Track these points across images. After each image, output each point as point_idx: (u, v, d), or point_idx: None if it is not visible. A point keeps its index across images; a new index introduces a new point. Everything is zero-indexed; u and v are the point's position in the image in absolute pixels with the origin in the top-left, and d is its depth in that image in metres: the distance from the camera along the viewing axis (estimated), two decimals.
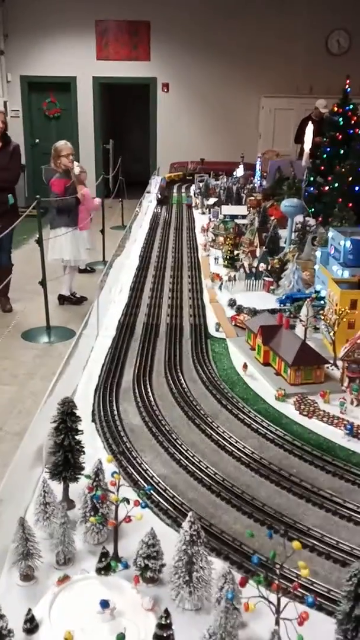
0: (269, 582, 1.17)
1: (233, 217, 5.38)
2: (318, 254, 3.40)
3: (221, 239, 4.64)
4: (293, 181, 5.64)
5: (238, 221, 5.10)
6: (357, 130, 5.30)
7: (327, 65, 11.52)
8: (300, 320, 2.72)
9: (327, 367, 2.46)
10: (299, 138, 9.38)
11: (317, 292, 3.18)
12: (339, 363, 2.44)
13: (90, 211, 7.13)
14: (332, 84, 9.50)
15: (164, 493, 1.71)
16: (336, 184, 4.80)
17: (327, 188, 4.98)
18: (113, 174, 10.92)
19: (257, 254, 4.05)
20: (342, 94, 5.35)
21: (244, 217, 5.36)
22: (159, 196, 6.91)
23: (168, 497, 1.69)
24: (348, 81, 5.30)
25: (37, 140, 12.80)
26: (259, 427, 2.08)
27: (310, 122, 4.97)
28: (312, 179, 5.18)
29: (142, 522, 1.41)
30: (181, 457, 1.89)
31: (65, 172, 6.48)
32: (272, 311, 3.04)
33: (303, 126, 6.68)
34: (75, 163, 7.16)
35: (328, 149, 5.35)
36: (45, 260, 5.85)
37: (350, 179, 4.70)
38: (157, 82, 12.69)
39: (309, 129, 4.50)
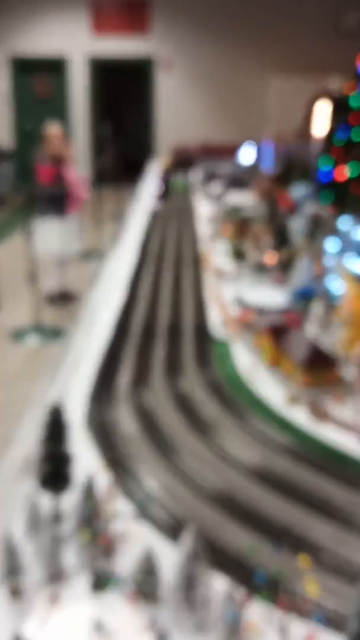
0: (274, 600, 1.19)
1: (239, 206, 5.38)
2: (331, 246, 3.40)
3: (226, 229, 4.65)
4: (303, 167, 5.64)
5: (245, 211, 5.11)
6: None
7: (339, 45, 11.53)
8: (311, 318, 2.73)
9: (341, 369, 2.47)
10: (309, 120, 9.38)
11: (329, 287, 3.19)
12: (354, 364, 2.45)
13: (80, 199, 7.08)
14: (344, 63, 9.47)
15: (161, 505, 1.73)
16: (351, 171, 4.80)
17: (341, 175, 4.98)
18: (109, 159, 10.93)
19: (265, 245, 4.05)
20: (354, 74, 5.35)
21: (251, 206, 5.37)
22: (159, 191, 6.53)
23: (166, 510, 1.71)
24: None
25: (28, 125, 12.83)
26: (266, 434, 2.09)
27: (322, 104, 4.97)
28: (324, 164, 5.18)
29: (138, 536, 1.42)
30: (180, 467, 1.90)
31: (54, 158, 6.45)
32: (281, 308, 3.05)
33: (314, 108, 6.69)
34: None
35: (343, 132, 5.35)
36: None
37: None
38: (158, 60, 12.70)
39: (321, 111, 4.50)
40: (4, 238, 7.77)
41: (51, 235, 6.49)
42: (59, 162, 6.51)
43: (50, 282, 6.80)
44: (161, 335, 2.93)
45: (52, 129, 6.60)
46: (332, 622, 1.34)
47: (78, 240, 6.95)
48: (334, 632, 1.32)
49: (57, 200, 6.49)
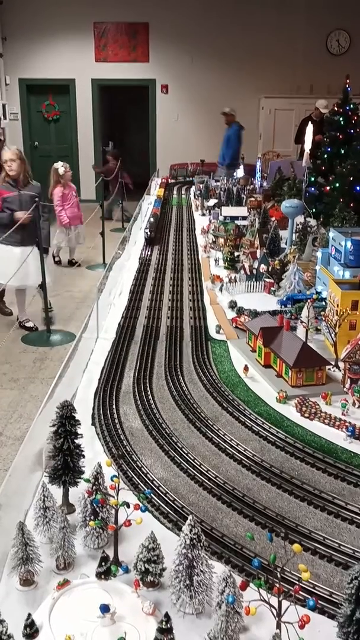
0: (270, 586, 1.17)
1: (233, 218, 5.38)
2: (319, 254, 3.40)
3: (221, 240, 4.64)
4: (293, 182, 5.65)
5: (238, 222, 5.10)
6: (358, 129, 5.31)
7: (327, 65, 11.55)
8: (302, 322, 2.73)
9: (329, 369, 2.46)
10: (299, 138, 9.39)
11: (318, 293, 3.18)
12: (341, 364, 2.44)
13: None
14: (332, 83, 9.53)
15: (164, 496, 1.71)
16: (337, 184, 4.81)
17: (327, 188, 4.98)
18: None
19: (258, 255, 4.05)
20: (342, 94, 5.37)
21: (244, 218, 5.37)
22: (148, 233, 4.98)
23: (168, 501, 1.69)
24: (348, 81, 5.32)
25: (37, 143, 12.83)
26: (260, 429, 2.08)
27: (310, 123, 4.98)
28: (312, 179, 5.19)
29: (142, 525, 1.41)
30: (181, 460, 1.89)
31: (8, 182, 5.67)
32: (273, 313, 3.04)
33: (303, 126, 6.69)
34: (61, 163, 6.95)
35: (329, 149, 5.36)
36: (45, 264, 5.82)
37: (351, 178, 4.71)
38: (157, 83, 12.71)
39: (309, 129, 4.50)
40: None
41: (6, 264, 5.54)
42: (20, 185, 5.67)
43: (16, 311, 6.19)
44: (163, 337, 2.92)
45: (5, 150, 5.73)
46: (325, 606, 1.33)
47: (36, 273, 5.77)
48: (326, 616, 1.31)
49: (5, 225, 5.47)
